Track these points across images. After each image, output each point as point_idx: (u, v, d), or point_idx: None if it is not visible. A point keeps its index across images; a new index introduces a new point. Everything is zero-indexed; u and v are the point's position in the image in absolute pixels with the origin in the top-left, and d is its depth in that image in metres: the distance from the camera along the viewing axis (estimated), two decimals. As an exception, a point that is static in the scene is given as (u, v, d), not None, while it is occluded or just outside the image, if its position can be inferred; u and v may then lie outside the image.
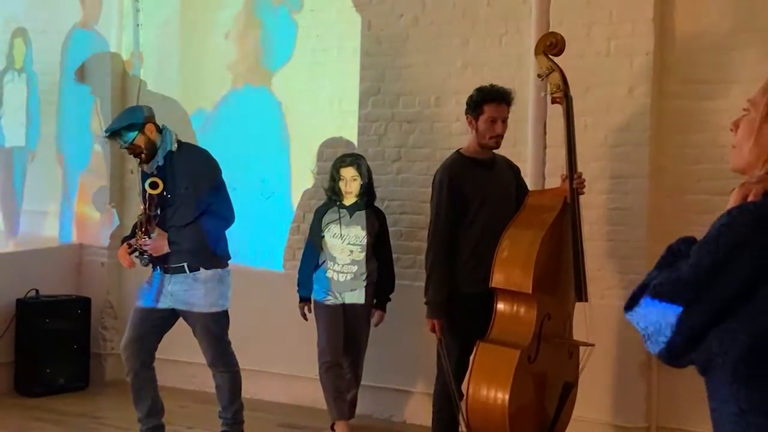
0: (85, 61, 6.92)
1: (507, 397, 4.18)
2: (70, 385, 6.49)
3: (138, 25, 6.86)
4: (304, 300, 5.35)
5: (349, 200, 5.27)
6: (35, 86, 7.19)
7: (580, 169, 4.44)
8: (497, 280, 4.34)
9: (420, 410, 5.49)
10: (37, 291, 6.52)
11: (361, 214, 5.27)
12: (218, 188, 4.81)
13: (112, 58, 6.85)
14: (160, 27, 6.82)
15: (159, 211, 4.55)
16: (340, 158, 5.37)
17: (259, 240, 6.37)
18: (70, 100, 6.99)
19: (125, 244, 4.76)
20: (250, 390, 5.76)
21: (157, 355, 4.91)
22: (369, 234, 5.24)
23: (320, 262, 5.30)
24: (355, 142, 6.01)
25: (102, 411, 6.03)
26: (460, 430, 4.58)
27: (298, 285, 5.37)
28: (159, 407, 4.91)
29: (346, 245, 5.22)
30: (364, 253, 5.25)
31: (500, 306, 4.37)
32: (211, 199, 4.74)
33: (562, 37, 4.44)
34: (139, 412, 4.87)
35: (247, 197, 6.31)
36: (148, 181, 4.54)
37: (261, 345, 6.11)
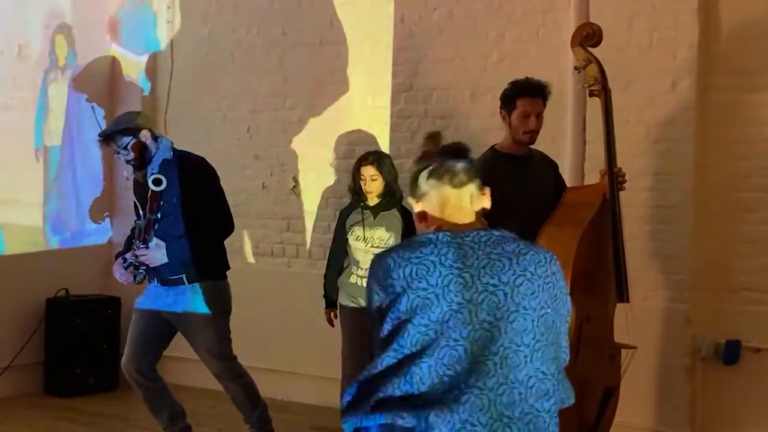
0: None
1: (544, 402, 4.02)
2: (100, 386, 6.44)
3: (168, 23, 6.78)
4: (331, 306, 5.18)
5: (372, 200, 5.06)
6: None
7: (621, 165, 4.28)
8: (534, 280, 4.19)
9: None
10: (66, 290, 6.48)
11: (385, 215, 5.06)
12: (215, 197, 4.64)
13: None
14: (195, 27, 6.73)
15: (159, 216, 4.41)
16: (362, 157, 5.17)
17: (289, 240, 6.28)
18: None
19: (120, 258, 4.60)
20: (281, 392, 5.70)
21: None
22: (393, 236, 5.06)
23: (345, 266, 5.13)
24: (387, 139, 5.88)
25: (131, 412, 5.94)
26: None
27: (324, 290, 5.20)
28: (179, 410, 4.80)
29: (369, 248, 5.00)
30: (387, 257, 5.07)
31: (537, 307, 4.22)
32: (208, 209, 4.58)
33: (599, 28, 4.27)
34: (161, 422, 4.78)
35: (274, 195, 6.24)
36: (152, 177, 4.39)
37: (292, 346, 6.01)
